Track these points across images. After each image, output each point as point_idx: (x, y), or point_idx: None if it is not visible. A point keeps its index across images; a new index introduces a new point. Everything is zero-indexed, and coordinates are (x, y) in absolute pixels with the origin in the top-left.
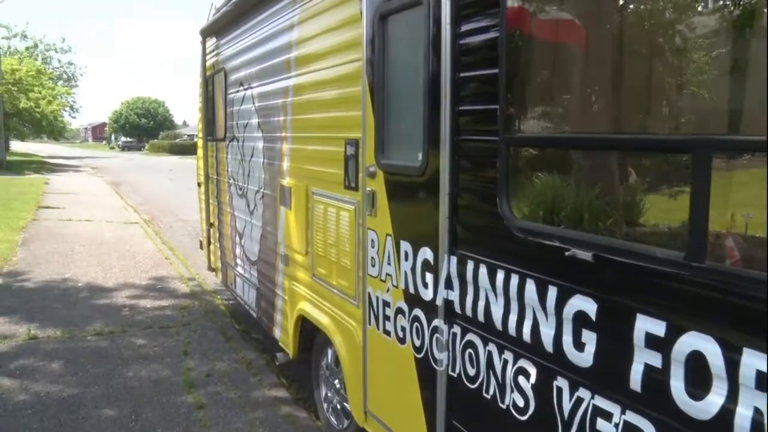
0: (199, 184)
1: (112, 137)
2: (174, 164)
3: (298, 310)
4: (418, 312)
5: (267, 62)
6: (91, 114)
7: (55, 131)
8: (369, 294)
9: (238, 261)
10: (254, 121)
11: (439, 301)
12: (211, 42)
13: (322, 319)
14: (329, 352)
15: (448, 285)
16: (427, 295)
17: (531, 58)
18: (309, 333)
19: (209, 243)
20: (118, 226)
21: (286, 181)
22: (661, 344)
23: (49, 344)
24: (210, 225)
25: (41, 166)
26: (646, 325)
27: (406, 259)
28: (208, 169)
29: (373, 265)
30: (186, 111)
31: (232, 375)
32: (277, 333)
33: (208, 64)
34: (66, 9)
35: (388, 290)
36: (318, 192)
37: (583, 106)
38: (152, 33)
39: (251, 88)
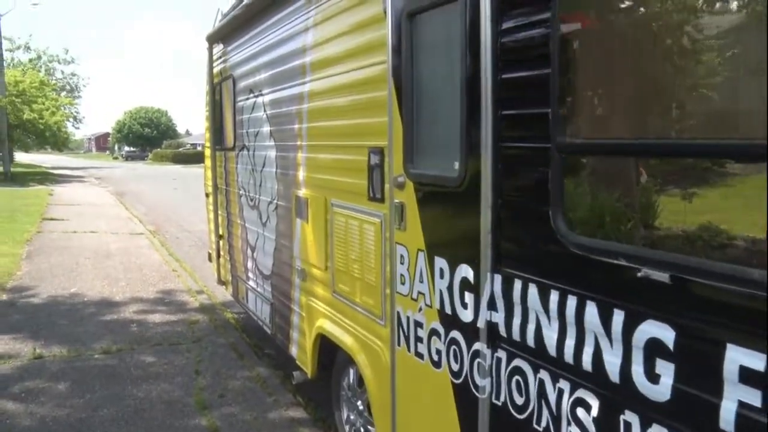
0: (207, 195)
1: (116, 147)
2: (177, 173)
3: (317, 328)
4: (456, 334)
5: (279, 68)
6: (94, 124)
7: (58, 142)
8: (398, 313)
9: (250, 275)
10: (266, 129)
11: (480, 324)
12: (218, 48)
13: (344, 338)
14: (351, 371)
15: (492, 306)
16: (467, 316)
17: (588, 55)
18: (329, 351)
19: (219, 255)
20: (124, 238)
21: (302, 192)
22: (760, 380)
23: (56, 364)
24: (219, 237)
25: (45, 177)
26: (739, 357)
27: (442, 277)
28: (216, 180)
29: (403, 283)
30: (189, 120)
31: (247, 394)
32: (293, 351)
33: (215, 71)
34: (67, 16)
35: (420, 310)
36: (338, 204)
37: (647, 107)
38: (155, 36)
39: (262, 95)
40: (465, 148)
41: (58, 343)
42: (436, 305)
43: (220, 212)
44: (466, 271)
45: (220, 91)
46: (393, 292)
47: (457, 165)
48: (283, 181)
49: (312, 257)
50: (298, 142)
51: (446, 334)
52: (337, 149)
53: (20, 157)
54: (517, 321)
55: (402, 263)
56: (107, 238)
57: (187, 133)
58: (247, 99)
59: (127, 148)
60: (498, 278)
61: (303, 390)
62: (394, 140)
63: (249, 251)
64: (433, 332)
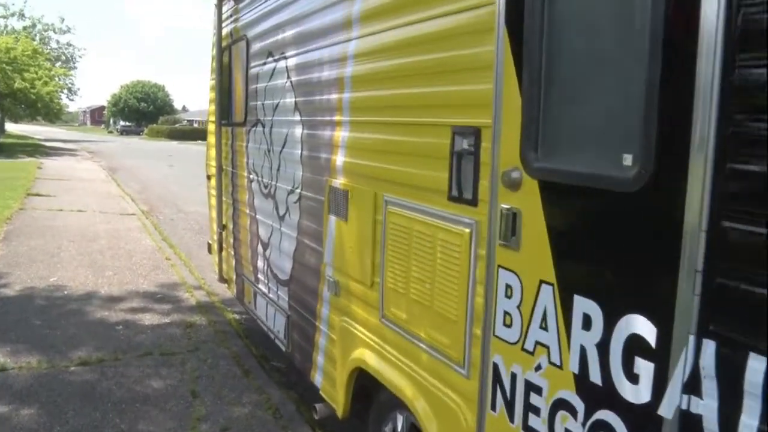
0: (209, 177)
1: (111, 121)
2: (173, 150)
3: (356, 359)
4: (610, 418)
5: (311, 22)
6: (90, 97)
7: (51, 113)
8: (495, 365)
9: (261, 276)
10: (289, 100)
11: (667, 412)
12: (228, 6)
13: (396, 379)
14: (399, 419)
15: (692, 388)
16: (638, 395)
17: None
18: (367, 386)
19: (221, 249)
20: (114, 218)
21: (340, 182)
22: None
23: (21, 378)
24: (222, 227)
25: (36, 149)
26: None
27: (588, 327)
28: (221, 160)
29: (508, 325)
30: (186, 96)
31: (256, 428)
32: (317, 379)
33: (224, 32)
34: None
35: (539, 368)
36: (396, 201)
37: None
38: (155, 9)
39: (285, 58)
40: (649, 135)
41: (28, 350)
42: (572, 367)
43: (224, 198)
44: (640, 324)
45: (230, 56)
46: (488, 335)
47: (629, 159)
48: (312, 165)
49: (351, 268)
50: (336, 117)
51: (589, 414)
52: (397, 127)
53: (12, 127)
54: (749, 418)
55: (509, 296)
56: (96, 218)
57: (184, 110)
58: (265, 64)
59: (122, 123)
60: (710, 345)
61: (326, 425)
62: (505, 118)
63: (260, 248)
64: (562, 405)
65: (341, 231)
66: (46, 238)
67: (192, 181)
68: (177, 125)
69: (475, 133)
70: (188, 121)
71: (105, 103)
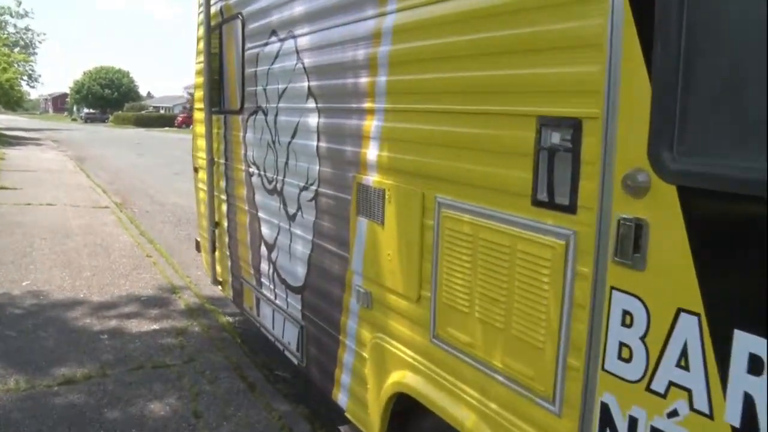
0: (196, 169)
1: (74, 108)
2: (141, 137)
3: (397, 383)
4: None
5: None
6: (51, 84)
7: (11, 101)
8: (606, 406)
9: (265, 281)
10: (300, 85)
11: None
12: None
13: (451, 408)
14: None
15: None
16: None
17: None
18: (405, 409)
19: (214, 249)
20: (86, 212)
21: (373, 179)
22: None
23: None
24: (215, 225)
25: None
26: None
27: (756, 370)
28: (212, 151)
29: (626, 359)
30: (151, 82)
31: None
32: (341, 399)
33: (213, 10)
34: None
35: (674, 415)
36: (454, 203)
37: None
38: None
39: (294, 37)
40: None
41: (3, 368)
42: (730, 419)
43: (216, 193)
44: None
45: (220, 37)
46: (593, 368)
47: None
48: (332, 159)
49: (389, 278)
50: (366, 104)
51: None
52: (456, 117)
53: None
54: None
55: (627, 325)
56: (67, 212)
57: (149, 96)
58: (266, 45)
59: (86, 110)
60: None
61: None
62: (623, 107)
63: (263, 249)
64: None
65: (375, 236)
66: (15, 236)
67: (164, 170)
68: (143, 112)
69: (574, 125)
70: (154, 107)
71: (68, 90)
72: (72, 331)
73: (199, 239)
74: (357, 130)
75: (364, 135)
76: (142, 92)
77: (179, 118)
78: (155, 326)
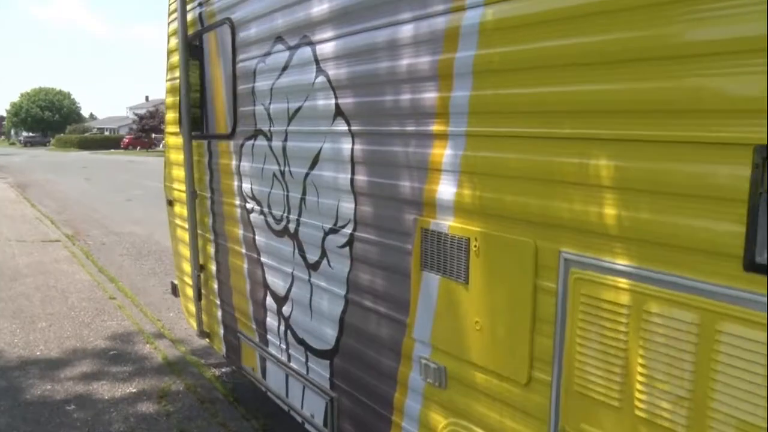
0: (170, 203)
1: (12, 132)
2: (86, 161)
3: None
4: None
5: None
6: None
7: None
8: None
9: (273, 339)
10: (323, 102)
11: None
12: None
13: None
14: None
15: None
16: None
17: None
18: None
19: (200, 296)
20: (35, 247)
21: (448, 223)
22: None
23: None
24: (200, 269)
25: None
26: None
27: None
28: (193, 183)
29: None
30: (93, 103)
31: None
32: None
33: (190, 17)
34: None
35: None
36: (598, 263)
37: None
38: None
39: (312, 43)
40: None
41: None
42: None
43: (201, 232)
44: None
45: (201, 48)
46: None
47: None
48: (378, 196)
49: (479, 353)
50: (435, 127)
51: None
52: (604, 145)
53: None
54: None
55: None
56: (13, 248)
57: (92, 117)
58: (268, 55)
59: (25, 134)
60: None
61: None
62: None
63: (270, 302)
64: None
65: (453, 297)
66: None
67: (116, 195)
68: (87, 134)
69: None
70: (98, 129)
71: (4, 113)
72: (29, 403)
73: (176, 282)
74: (420, 161)
75: (432, 167)
76: (85, 114)
77: (125, 140)
78: (131, 388)
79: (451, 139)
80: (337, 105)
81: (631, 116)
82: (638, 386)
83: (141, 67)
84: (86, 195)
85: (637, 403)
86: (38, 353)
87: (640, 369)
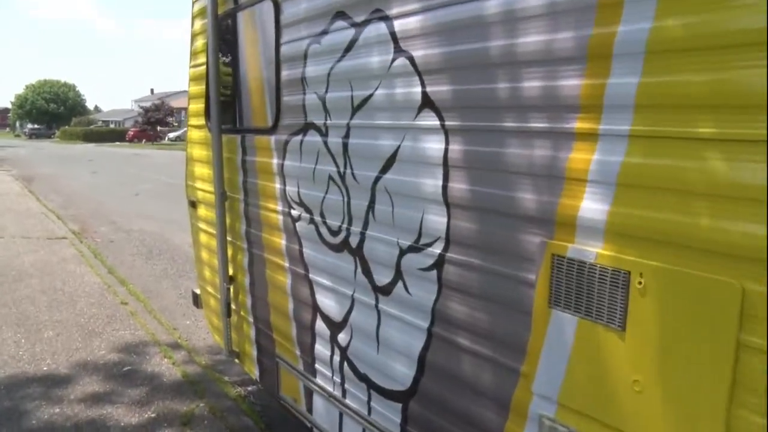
0: (193, 204)
1: (17, 124)
2: (92, 153)
3: None
4: None
5: None
6: None
7: None
8: None
9: (323, 369)
10: (406, 91)
11: None
12: None
13: None
14: None
15: None
16: None
17: None
18: None
19: (229, 312)
20: (40, 245)
21: (597, 251)
22: None
23: None
24: (231, 280)
25: None
26: None
27: None
28: (222, 183)
29: None
30: (98, 95)
31: None
32: None
33: None
34: None
35: None
36: None
37: None
38: (55, 5)
39: (387, 18)
40: None
41: None
42: None
43: (230, 238)
44: None
45: (235, 29)
46: None
47: None
48: (484, 209)
49: (638, 422)
50: (577, 124)
51: None
52: None
53: None
54: None
55: None
56: (17, 246)
57: (97, 110)
58: (324, 34)
59: (30, 125)
60: None
61: None
62: None
63: (320, 325)
64: None
65: (600, 346)
66: None
67: (123, 190)
68: (92, 126)
69: None
70: (103, 121)
71: (9, 105)
72: (36, 428)
73: (198, 291)
74: (551, 167)
75: (571, 175)
76: (89, 106)
77: (130, 133)
78: (150, 413)
79: (604, 141)
80: (424, 94)
81: None
82: None
83: (146, 60)
84: (93, 189)
85: None
86: (45, 368)
87: None
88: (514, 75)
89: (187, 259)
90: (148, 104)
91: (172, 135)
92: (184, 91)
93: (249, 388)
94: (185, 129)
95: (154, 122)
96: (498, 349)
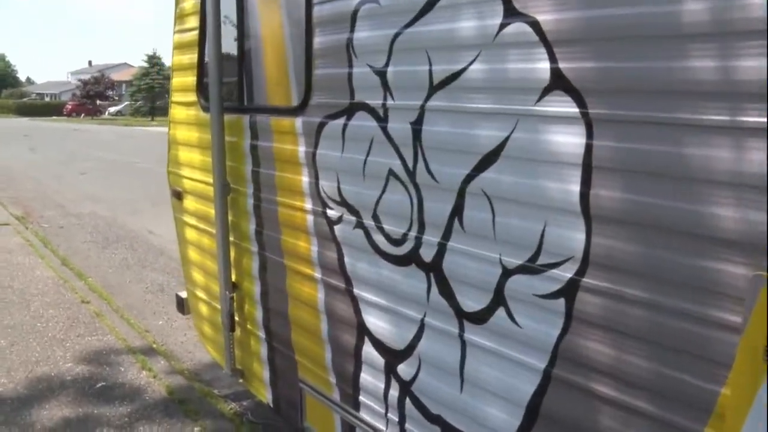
0: (177, 195)
1: None
2: (27, 128)
3: None
4: None
5: None
6: None
7: None
8: None
9: (371, 402)
10: (523, 66)
11: None
12: None
13: None
14: None
15: None
16: None
17: None
18: None
19: (233, 326)
20: None
21: None
22: None
23: None
24: (234, 287)
25: None
26: None
27: None
28: (223, 173)
29: None
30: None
31: None
32: None
33: None
34: None
35: None
36: None
37: None
38: None
39: None
40: None
41: None
42: None
43: (233, 238)
44: None
45: None
46: None
47: None
48: (643, 225)
49: None
50: None
51: None
52: None
53: None
54: None
55: None
56: None
57: (30, 82)
58: None
59: None
60: None
61: None
62: None
63: (372, 353)
64: None
65: None
66: None
67: (65, 168)
68: (25, 99)
69: None
70: (38, 94)
71: None
72: None
73: (184, 296)
74: (760, 175)
75: None
76: (21, 78)
77: (68, 106)
78: None
79: None
80: (554, 71)
81: None
82: None
83: (83, 30)
84: (33, 167)
85: None
86: (0, 388)
87: None
88: (692, 51)
89: (149, 247)
90: (86, 77)
91: (112, 109)
92: (125, 64)
93: (244, 403)
94: (127, 103)
95: (94, 96)
96: (671, 408)
